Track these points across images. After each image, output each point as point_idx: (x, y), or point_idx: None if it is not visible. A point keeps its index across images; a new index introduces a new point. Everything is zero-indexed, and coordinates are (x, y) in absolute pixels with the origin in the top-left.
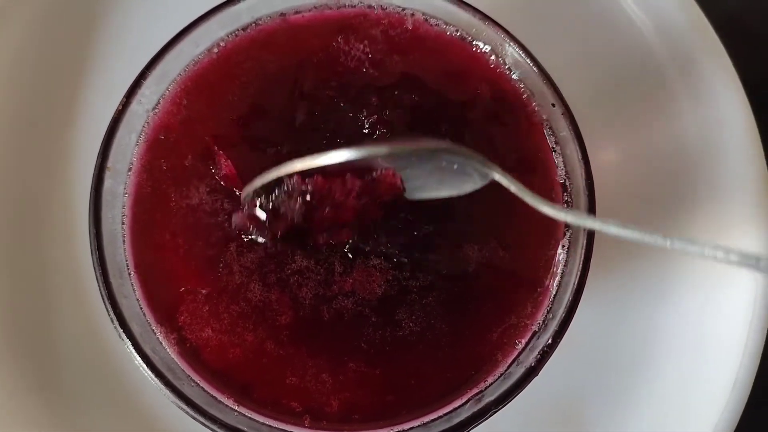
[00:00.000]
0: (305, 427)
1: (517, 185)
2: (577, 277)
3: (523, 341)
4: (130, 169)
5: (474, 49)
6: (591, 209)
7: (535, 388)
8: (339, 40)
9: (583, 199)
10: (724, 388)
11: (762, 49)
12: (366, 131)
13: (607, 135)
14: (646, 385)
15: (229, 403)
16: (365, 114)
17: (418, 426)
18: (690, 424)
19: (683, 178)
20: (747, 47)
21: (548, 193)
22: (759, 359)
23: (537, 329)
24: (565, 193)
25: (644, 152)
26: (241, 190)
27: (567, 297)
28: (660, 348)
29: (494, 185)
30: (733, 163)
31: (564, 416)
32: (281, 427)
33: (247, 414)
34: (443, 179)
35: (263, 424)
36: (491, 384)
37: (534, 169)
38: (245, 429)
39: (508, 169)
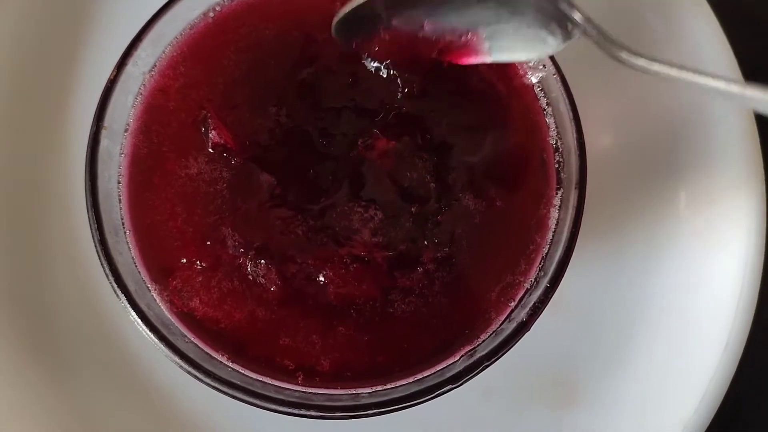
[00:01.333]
0: (299, 384)
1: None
2: (568, 234)
3: (516, 298)
4: (126, 130)
5: None
6: (582, 168)
7: (527, 352)
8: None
9: (574, 159)
10: (716, 350)
11: (758, 26)
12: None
13: (598, 100)
14: (637, 348)
15: (223, 359)
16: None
17: (411, 382)
18: (681, 387)
19: (674, 141)
20: (742, 24)
21: (539, 154)
22: (750, 321)
23: (529, 286)
24: (557, 153)
25: (635, 116)
26: (237, 153)
27: (558, 254)
28: (651, 311)
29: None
30: (723, 128)
31: (555, 379)
32: (275, 384)
33: (240, 371)
34: (527, 39)
35: (256, 380)
36: (484, 340)
37: (525, 130)
38: (239, 383)
39: (499, 130)
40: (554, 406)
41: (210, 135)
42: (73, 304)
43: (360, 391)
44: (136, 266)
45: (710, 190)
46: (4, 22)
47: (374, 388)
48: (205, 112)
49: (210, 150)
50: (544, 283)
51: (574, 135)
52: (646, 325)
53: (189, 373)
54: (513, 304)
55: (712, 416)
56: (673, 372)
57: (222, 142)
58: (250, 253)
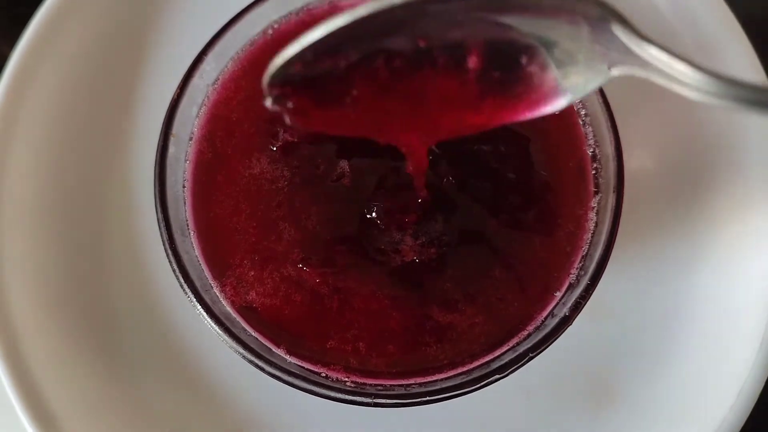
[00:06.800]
0: (353, 375)
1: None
2: (607, 235)
3: (558, 295)
4: (191, 138)
5: None
6: (619, 173)
7: (567, 354)
8: None
9: (612, 165)
10: (751, 351)
11: None
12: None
13: (635, 116)
14: (674, 350)
15: (281, 353)
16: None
17: (460, 373)
18: (717, 387)
19: (710, 157)
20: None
21: (577, 161)
22: None
23: (570, 284)
24: (595, 162)
25: (672, 131)
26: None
27: (598, 254)
28: (688, 313)
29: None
30: (759, 144)
31: (593, 381)
32: (332, 374)
33: (298, 362)
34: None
35: (318, 373)
36: (529, 334)
37: (563, 139)
38: (300, 373)
39: (538, 140)
40: (592, 408)
41: (281, 136)
42: (136, 304)
43: (411, 381)
44: (200, 264)
45: (745, 200)
46: (74, 36)
47: (425, 379)
48: (267, 119)
49: (273, 149)
50: (585, 280)
51: (612, 142)
52: (683, 328)
53: (251, 362)
54: (555, 300)
55: (746, 416)
56: (709, 373)
57: (295, 140)
58: (308, 248)
